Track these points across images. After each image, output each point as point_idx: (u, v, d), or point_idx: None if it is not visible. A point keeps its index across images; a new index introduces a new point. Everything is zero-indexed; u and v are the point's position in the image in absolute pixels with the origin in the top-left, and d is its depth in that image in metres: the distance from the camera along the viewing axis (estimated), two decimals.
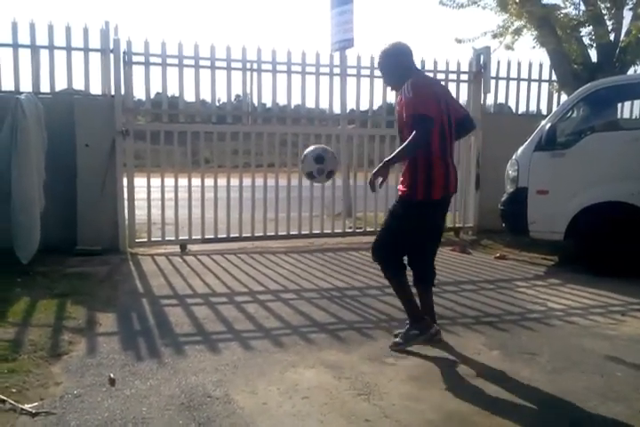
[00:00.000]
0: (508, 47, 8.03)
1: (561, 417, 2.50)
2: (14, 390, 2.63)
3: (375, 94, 7.29)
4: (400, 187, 3.35)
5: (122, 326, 3.74)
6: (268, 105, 7.14)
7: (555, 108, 6.97)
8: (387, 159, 3.22)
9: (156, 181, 6.35)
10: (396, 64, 3.38)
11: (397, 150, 3.23)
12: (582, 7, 7.61)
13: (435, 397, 2.67)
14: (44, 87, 6.15)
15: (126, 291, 4.64)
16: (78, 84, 6.30)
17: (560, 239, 5.62)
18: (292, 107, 7.13)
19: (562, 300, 4.51)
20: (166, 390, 2.71)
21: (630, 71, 7.59)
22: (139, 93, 6.61)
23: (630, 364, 3.13)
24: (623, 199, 5.27)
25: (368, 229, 7.05)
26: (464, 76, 7.68)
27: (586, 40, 7.77)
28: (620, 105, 7.31)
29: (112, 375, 2.84)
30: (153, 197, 6.35)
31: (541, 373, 2.99)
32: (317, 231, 7.10)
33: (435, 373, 2.98)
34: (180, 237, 6.48)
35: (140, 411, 2.47)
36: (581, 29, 7.72)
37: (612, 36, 7.49)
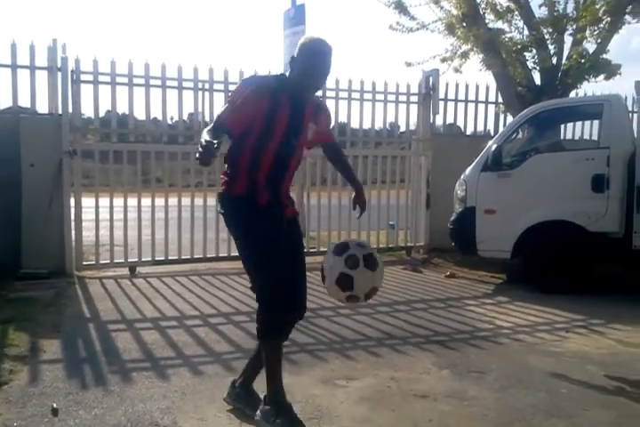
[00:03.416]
0: (457, 70, 8.23)
1: None
2: None
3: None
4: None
5: (67, 352, 3.62)
6: None
7: (501, 129, 7.19)
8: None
9: (104, 202, 6.24)
10: None
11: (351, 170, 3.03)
12: (526, 32, 7.88)
13: (385, 418, 2.68)
14: None
15: (72, 316, 4.50)
16: (24, 102, 6.17)
17: (507, 258, 5.77)
18: None
19: (509, 318, 4.62)
20: (112, 419, 2.63)
21: (572, 94, 7.89)
22: (88, 112, 6.51)
23: (574, 380, 3.21)
24: (566, 218, 5.45)
25: (322, 249, 7.05)
26: (414, 98, 7.85)
27: (530, 63, 8.02)
28: (562, 126, 7.60)
29: (55, 405, 2.74)
30: (101, 218, 6.23)
31: (489, 391, 3.04)
32: None
33: (385, 393, 2.99)
34: (130, 260, 6.35)
35: None
36: (525, 53, 7.98)
37: (554, 60, 7.78)
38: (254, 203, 2.53)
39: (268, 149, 2.52)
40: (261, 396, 2.59)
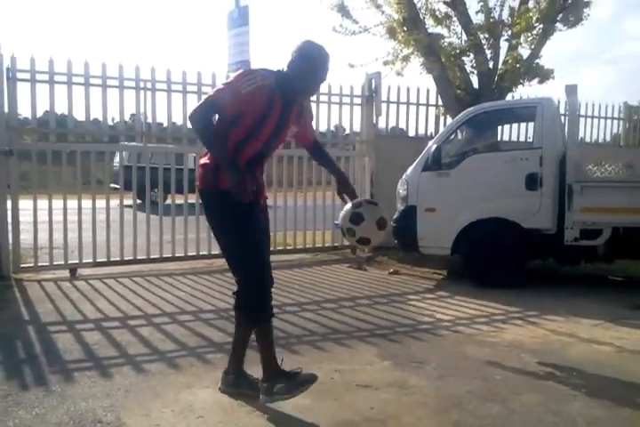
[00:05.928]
0: (398, 73, 8.40)
1: (444, 420, 2.65)
2: None
3: None
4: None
5: (5, 355, 3.53)
6: (166, 125, 7.06)
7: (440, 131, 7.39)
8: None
9: (43, 204, 6.07)
10: None
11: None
12: (464, 37, 8.14)
13: (328, 408, 2.75)
14: None
15: (10, 318, 4.38)
16: None
17: (448, 254, 5.95)
18: (189, 126, 7.08)
19: (449, 311, 4.77)
20: (53, 418, 2.60)
21: (508, 97, 8.19)
22: (24, 112, 6.33)
23: (509, 368, 3.36)
24: (502, 216, 5.67)
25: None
26: (357, 100, 7.97)
27: (468, 68, 8.27)
28: (499, 128, 7.90)
29: None
30: (40, 220, 6.06)
31: (428, 380, 3.15)
32: (217, 252, 7.02)
33: (329, 384, 3.05)
34: (70, 262, 6.20)
35: None
36: (464, 58, 8.23)
37: (490, 65, 8.06)
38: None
39: (250, 145, 2.68)
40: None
